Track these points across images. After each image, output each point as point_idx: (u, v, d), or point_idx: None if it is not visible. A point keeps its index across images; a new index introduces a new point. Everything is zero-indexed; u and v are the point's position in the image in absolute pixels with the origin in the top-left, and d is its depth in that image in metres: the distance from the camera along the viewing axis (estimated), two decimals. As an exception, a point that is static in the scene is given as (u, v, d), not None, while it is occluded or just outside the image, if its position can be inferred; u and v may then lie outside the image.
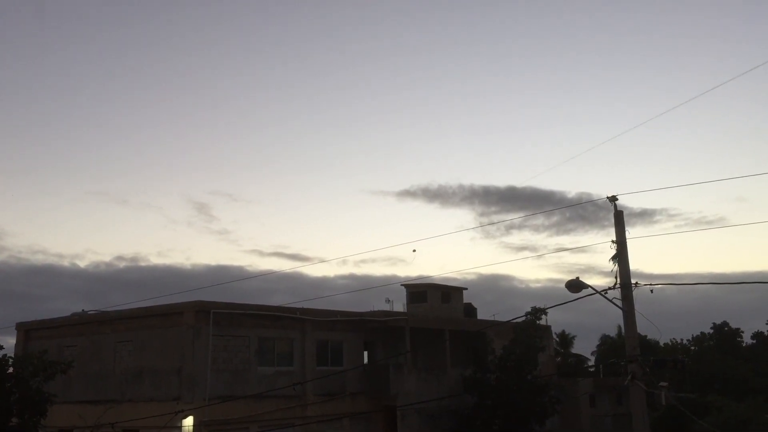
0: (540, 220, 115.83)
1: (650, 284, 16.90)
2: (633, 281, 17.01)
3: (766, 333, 75.06)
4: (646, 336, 51.08)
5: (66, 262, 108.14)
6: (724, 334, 74.87)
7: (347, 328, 37.98)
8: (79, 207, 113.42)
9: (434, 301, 43.31)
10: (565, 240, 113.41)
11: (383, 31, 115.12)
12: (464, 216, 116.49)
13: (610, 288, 17.06)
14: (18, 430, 24.36)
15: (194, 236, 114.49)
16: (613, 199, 17.72)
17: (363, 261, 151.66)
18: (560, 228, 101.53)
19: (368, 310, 40.03)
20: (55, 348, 34.63)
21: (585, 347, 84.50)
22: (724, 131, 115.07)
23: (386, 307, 40.73)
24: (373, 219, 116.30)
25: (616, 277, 17.06)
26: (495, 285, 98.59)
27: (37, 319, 39.10)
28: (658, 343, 58.36)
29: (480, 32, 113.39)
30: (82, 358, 34.57)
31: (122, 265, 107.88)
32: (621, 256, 17.22)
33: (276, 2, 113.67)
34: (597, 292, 17.16)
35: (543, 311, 40.13)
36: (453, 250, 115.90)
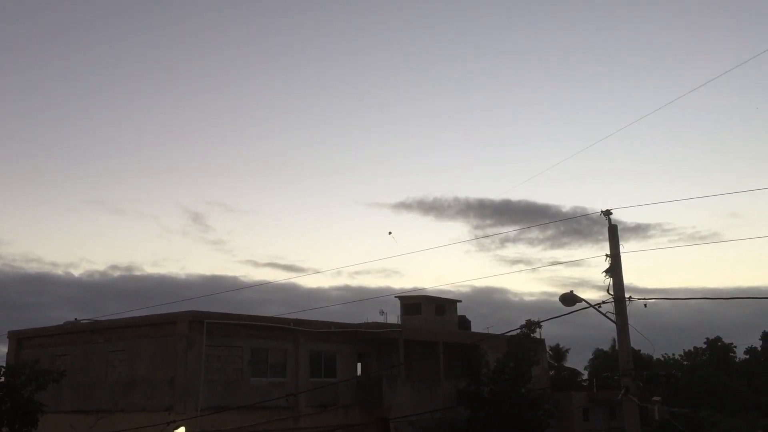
0: (534, 233, 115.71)
1: (644, 298, 16.96)
2: (627, 295, 17.06)
3: (759, 348, 75.23)
4: (639, 350, 51.06)
5: (60, 271, 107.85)
6: (717, 349, 74.96)
7: (341, 340, 37.92)
8: (74, 216, 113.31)
9: (428, 314, 43.27)
10: (560, 253, 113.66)
11: (379, 43, 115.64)
12: (459, 228, 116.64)
13: (603, 302, 17.11)
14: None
15: (189, 246, 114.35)
16: (607, 213, 17.79)
17: (357, 272, 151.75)
18: (555, 241, 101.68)
19: (362, 321, 40.00)
20: (47, 357, 34.36)
21: (579, 361, 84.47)
22: (718, 146, 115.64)
23: (380, 319, 40.71)
24: (368, 231, 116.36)
25: (608, 291, 17.11)
26: (489, 298, 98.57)
27: (30, 327, 38.91)
28: (651, 357, 58.41)
29: (475, 45, 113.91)
30: (74, 367, 34.24)
31: (117, 274, 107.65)
32: (615, 270, 17.27)
33: (272, 13, 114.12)
34: (591, 305, 17.21)
35: (537, 324, 40.13)
36: (447, 263, 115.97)
